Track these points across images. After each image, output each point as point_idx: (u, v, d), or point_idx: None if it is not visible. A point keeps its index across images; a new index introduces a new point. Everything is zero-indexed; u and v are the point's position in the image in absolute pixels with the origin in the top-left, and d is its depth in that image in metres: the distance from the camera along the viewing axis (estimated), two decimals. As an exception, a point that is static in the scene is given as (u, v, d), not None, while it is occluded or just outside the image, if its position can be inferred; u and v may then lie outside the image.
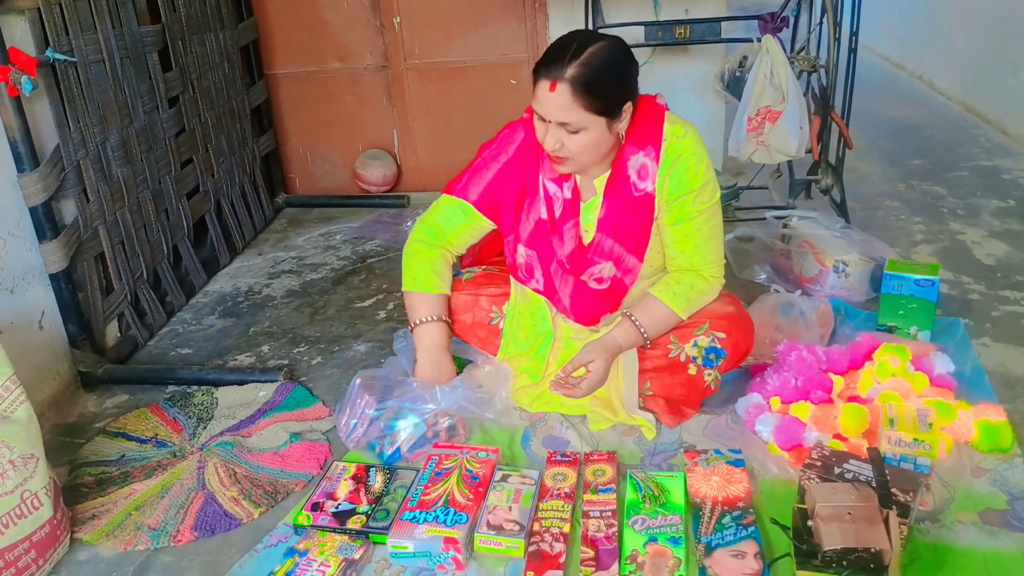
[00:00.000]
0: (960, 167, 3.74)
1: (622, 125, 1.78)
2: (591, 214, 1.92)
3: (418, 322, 1.99)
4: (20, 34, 2.16)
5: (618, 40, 1.78)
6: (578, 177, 1.91)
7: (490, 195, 1.97)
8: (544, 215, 1.93)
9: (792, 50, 3.07)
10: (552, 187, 1.91)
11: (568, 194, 1.91)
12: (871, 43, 5.82)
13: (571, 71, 1.67)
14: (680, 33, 3.00)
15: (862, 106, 3.31)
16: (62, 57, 2.24)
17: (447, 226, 2.02)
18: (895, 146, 4.09)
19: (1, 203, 2.14)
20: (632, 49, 1.81)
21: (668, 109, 1.89)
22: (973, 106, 4.61)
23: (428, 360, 1.97)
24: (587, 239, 1.93)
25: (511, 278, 2.09)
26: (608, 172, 1.88)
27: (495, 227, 2.03)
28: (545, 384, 2.04)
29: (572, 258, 1.94)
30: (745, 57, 2.91)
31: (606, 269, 1.93)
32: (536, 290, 2.03)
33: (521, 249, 1.99)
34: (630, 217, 1.88)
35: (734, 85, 2.99)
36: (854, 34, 2.94)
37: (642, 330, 1.88)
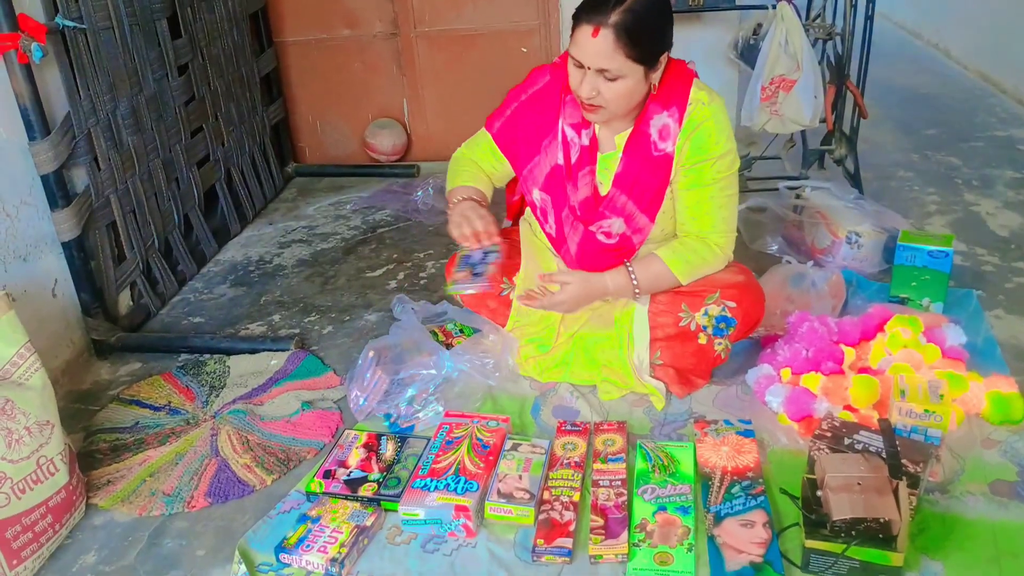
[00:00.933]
0: (975, 137, 3.70)
1: (656, 75, 1.77)
2: (608, 168, 1.91)
3: (455, 202, 1.97)
4: (29, 1, 2.14)
5: None
6: (598, 128, 1.90)
7: (509, 129, 1.99)
8: (560, 160, 1.93)
9: (807, 17, 3.03)
10: (571, 132, 1.91)
11: (585, 141, 1.90)
12: (887, 11, 5.73)
13: (615, 17, 1.65)
14: (694, 0, 2.96)
15: (877, 75, 3.27)
16: (71, 24, 2.22)
17: (479, 153, 2.08)
18: (909, 116, 4.05)
19: (13, 171, 2.14)
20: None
21: (696, 75, 1.87)
22: (989, 75, 4.55)
23: (458, 213, 1.92)
24: (603, 191, 1.93)
25: (522, 248, 2.09)
26: (630, 129, 1.87)
27: (509, 166, 2.04)
28: (555, 354, 2.05)
29: (584, 206, 1.93)
30: (759, 24, 2.87)
31: (616, 225, 1.92)
32: (549, 236, 2.04)
33: (536, 193, 1.99)
34: (647, 175, 1.87)
35: (748, 53, 2.95)
36: (871, 1, 2.89)
37: (633, 280, 1.88)
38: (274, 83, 3.62)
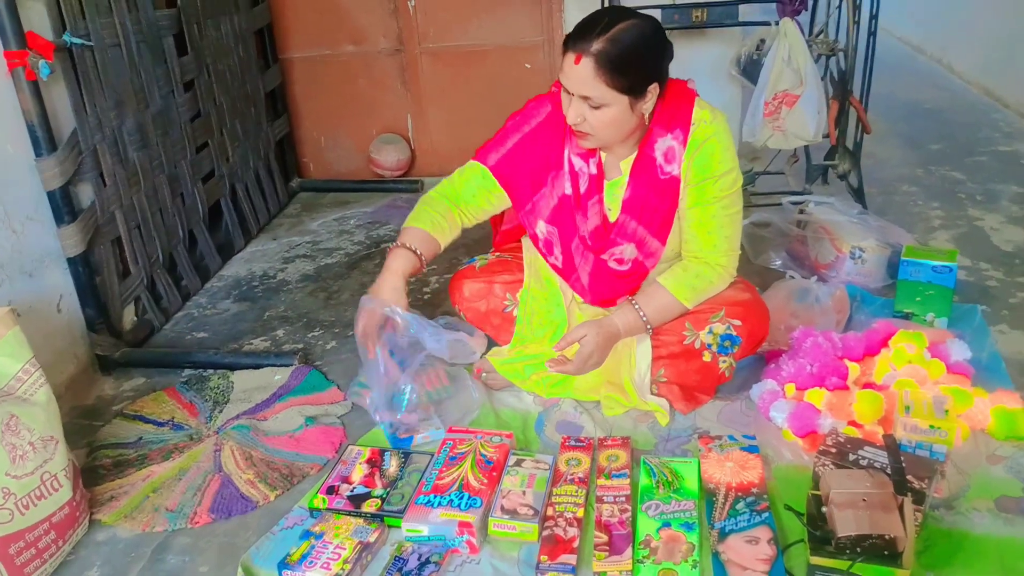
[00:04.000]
0: (979, 152, 3.71)
1: (646, 106, 1.76)
2: (616, 193, 1.91)
3: (395, 245, 1.92)
4: (37, 18, 2.17)
5: (651, 20, 1.75)
6: (604, 155, 1.90)
7: (509, 163, 1.96)
8: (568, 191, 1.92)
9: (810, 33, 3.04)
10: (578, 162, 1.90)
11: (594, 170, 1.90)
12: (890, 26, 5.76)
13: (597, 46, 1.67)
14: (697, 16, 2.98)
15: (880, 90, 3.28)
16: (79, 41, 2.24)
17: (464, 188, 1.99)
18: (913, 130, 4.06)
19: (19, 187, 2.15)
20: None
21: (696, 94, 1.87)
22: (993, 90, 4.56)
23: (382, 280, 1.89)
24: (611, 217, 1.92)
25: (525, 263, 2.09)
26: (635, 154, 1.87)
27: (507, 201, 2.00)
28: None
29: (595, 235, 1.93)
30: (762, 40, 2.89)
31: (627, 251, 1.92)
32: (555, 267, 2.03)
33: (542, 225, 1.98)
34: (656, 199, 1.87)
35: (750, 69, 2.96)
36: (874, 17, 2.90)
37: (643, 315, 1.87)
38: (279, 99, 3.65)
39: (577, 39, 1.69)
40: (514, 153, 1.95)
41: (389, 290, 1.86)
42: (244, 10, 3.26)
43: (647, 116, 1.79)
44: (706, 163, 1.82)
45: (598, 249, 1.94)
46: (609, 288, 1.98)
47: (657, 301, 1.88)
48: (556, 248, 1.99)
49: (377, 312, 1.86)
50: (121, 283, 2.47)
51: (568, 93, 1.75)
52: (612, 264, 1.95)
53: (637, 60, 1.69)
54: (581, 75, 1.69)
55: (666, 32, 1.79)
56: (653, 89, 1.74)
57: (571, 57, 1.69)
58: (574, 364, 1.85)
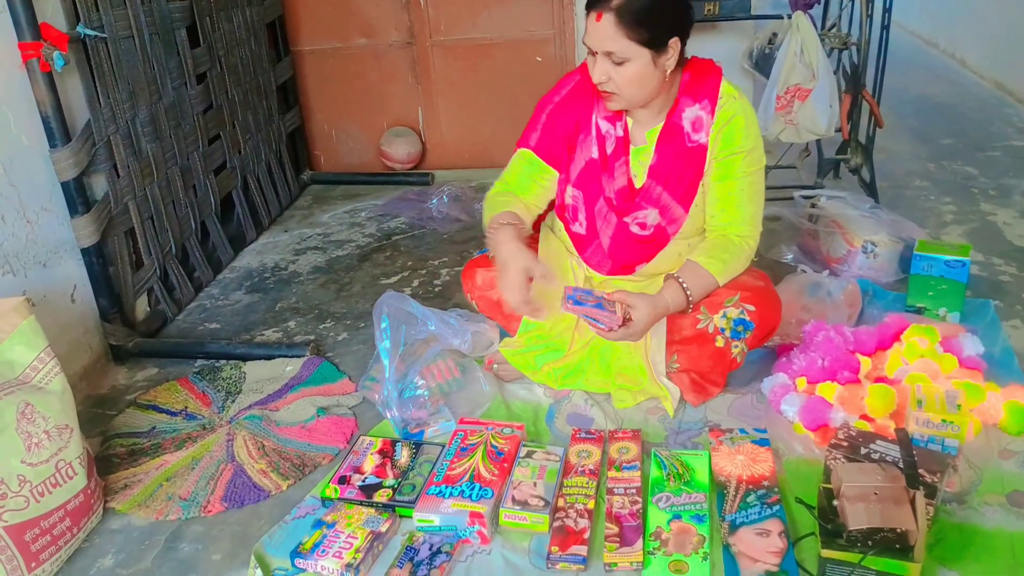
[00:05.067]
0: (992, 147, 3.69)
1: (669, 61, 1.78)
2: (642, 160, 1.93)
3: (493, 228, 1.88)
4: (51, 10, 2.18)
5: None
6: (630, 122, 1.92)
7: (548, 137, 1.99)
8: (595, 154, 1.95)
9: (823, 27, 3.03)
10: (605, 125, 1.93)
11: (620, 132, 1.92)
12: (902, 20, 5.73)
13: (617, 1, 1.71)
14: (709, 10, 2.97)
15: (892, 84, 3.26)
16: (92, 33, 2.25)
17: (517, 180, 2.02)
18: (925, 125, 4.04)
19: (34, 178, 2.17)
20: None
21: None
22: (1005, 84, 4.53)
23: (503, 274, 1.83)
24: (637, 183, 1.94)
25: (540, 251, 2.09)
26: (661, 123, 1.90)
27: (555, 180, 2.02)
28: (570, 361, 2.05)
29: (620, 196, 1.95)
30: (775, 34, 2.87)
31: (651, 216, 1.94)
32: (576, 236, 2.04)
33: (569, 190, 2.00)
34: (682, 166, 1.89)
35: (762, 63, 2.95)
36: (887, 10, 2.89)
37: (688, 292, 1.86)
38: (290, 91, 3.65)
39: None
40: (548, 126, 1.99)
41: (524, 256, 1.81)
42: (256, 3, 3.27)
43: (668, 72, 1.80)
44: (734, 137, 1.85)
45: (622, 211, 1.95)
46: (629, 253, 1.99)
47: (697, 277, 1.88)
48: (580, 213, 2.00)
49: (523, 268, 1.81)
50: (134, 274, 2.48)
51: (592, 54, 1.78)
52: (634, 228, 1.96)
53: (656, 13, 1.73)
54: (603, 31, 1.73)
55: None
56: (674, 44, 1.77)
57: (593, 15, 1.74)
58: (618, 334, 1.80)
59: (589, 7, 1.75)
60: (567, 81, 1.99)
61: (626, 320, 1.78)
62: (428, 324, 2.04)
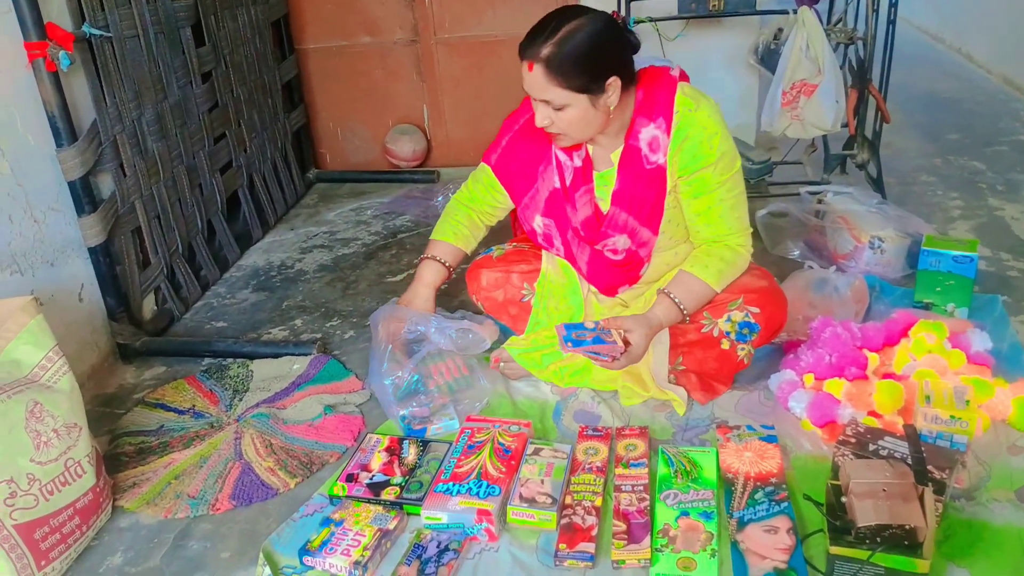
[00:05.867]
0: (999, 141, 3.67)
1: (611, 100, 1.75)
2: (607, 184, 1.92)
3: (424, 257, 2.10)
4: (57, 9, 2.18)
5: (602, 16, 1.76)
6: (591, 148, 1.91)
7: (505, 159, 2.00)
8: (557, 184, 1.95)
9: (829, 22, 3.02)
10: (563, 156, 1.93)
11: (578, 163, 1.91)
12: (908, 15, 5.71)
13: (545, 51, 1.69)
14: (714, 5, 2.96)
15: (899, 79, 3.25)
16: (98, 32, 2.26)
17: (475, 190, 2.11)
18: (932, 120, 4.02)
19: (40, 178, 2.17)
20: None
21: (687, 80, 1.86)
22: (1012, 79, 4.51)
23: (413, 291, 2.08)
24: (604, 208, 1.93)
25: (543, 253, 2.10)
26: (623, 145, 1.87)
27: (508, 198, 2.06)
28: (576, 360, 2.04)
29: (586, 226, 1.94)
30: (780, 29, 2.87)
31: (620, 242, 1.93)
32: (558, 254, 2.05)
33: (538, 219, 2.00)
34: (643, 190, 1.87)
35: (768, 58, 2.95)
36: (893, 5, 2.88)
37: (681, 306, 1.87)
38: (295, 90, 3.66)
39: (527, 46, 1.72)
40: (508, 150, 1.99)
41: (421, 301, 2.06)
42: (261, 1, 3.27)
43: (613, 108, 1.77)
44: (697, 152, 1.81)
45: (591, 240, 1.95)
46: (608, 277, 2.00)
47: (690, 289, 1.88)
48: (556, 240, 2.01)
49: (403, 320, 2.02)
50: (141, 273, 2.49)
51: (534, 99, 1.77)
52: (607, 254, 1.96)
53: (587, 59, 1.70)
54: (536, 81, 1.72)
55: (622, 26, 1.81)
56: (613, 83, 1.73)
57: (525, 65, 1.72)
58: (620, 362, 1.82)
59: (520, 55, 1.73)
60: (529, 106, 1.93)
61: (625, 344, 1.79)
62: (417, 325, 2.06)
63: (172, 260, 2.64)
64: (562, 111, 1.74)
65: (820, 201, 2.70)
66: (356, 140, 3.90)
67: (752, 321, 1.90)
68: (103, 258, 2.32)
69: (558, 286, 2.07)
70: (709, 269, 1.87)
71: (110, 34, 2.31)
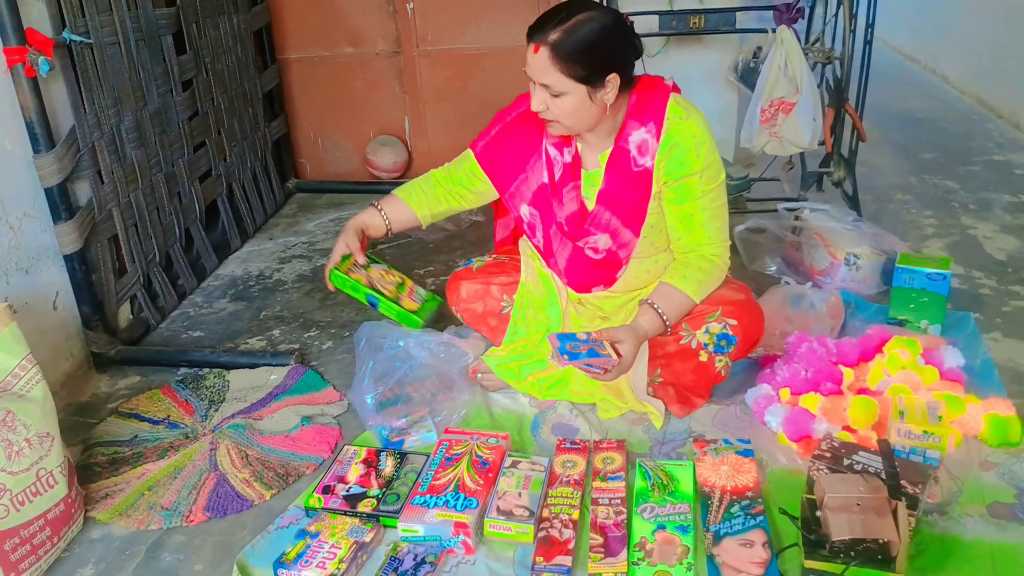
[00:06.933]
0: (972, 161, 3.73)
1: (607, 96, 1.78)
2: (593, 184, 1.94)
3: (370, 205, 2.09)
4: (37, 15, 2.17)
5: (611, 12, 1.81)
6: (580, 146, 1.93)
7: (492, 149, 2.02)
8: (546, 179, 1.97)
9: (807, 41, 3.06)
10: (553, 151, 1.95)
11: (568, 158, 1.93)
12: (885, 35, 5.79)
13: (553, 36, 1.71)
14: (694, 23, 2.99)
15: (875, 98, 3.30)
16: (78, 38, 2.24)
17: (454, 170, 2.09)
18: (907, 139, 4.08)
19: (17, 184, 2.15)
20: (644, 38, 1.81)
21: (679, 91, 1.90)
22: (986, 100, 4.59)
23: (341, 234, 2.06)
24: (589, 206, 1.95)
25: (522, 263, 2.10)
26: (611, 147, 1.90)
27: (491, 188, 2.06)
28: (553, 371, 2.05)
29: (571, 222, 1.96)
30: (759, 48, 2.90)
31: (602, 241, 1.95)
32: (537, 247, 2.06)
33: (525, 208, 2.02)
34: (628, 191, 1.89)
35: (748, 76, 2.98)
36: (870, 26, 2.92)
37: (663, 316, 1.87)
38: (276, 99, 3.65)
39: (536, 29, 1.75)
40: (497, 140, 2.01)
41: (341, 236, 2.04)
42: (243, 10, 3.26)
43: (609, 106, 1.80)
44: (683, 160, 1.83)
45: (574, 236, 1.96)
46: (585, 276, 2.01)
47: (671, 299, 1.88)
48: (538, 231, 2.03)
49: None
50: (117, 281, 2.46)
51: (532, 82, 1.79)
52: (588, 252, 1.97)
53: (592, 50, 1.73)
54: (539, 64, 1.74)
55: (630, 27, 1.83)
56: (612, 79, 1.76)
57: (531, 47, 1.75)
58: (613, 373, 1.81)
59: (528, 37, 1.76)
60: (522, 101, 1.98)
61: (616, 355, 1.79)
62: (397, 341, 2.09)
63: (149, 268, 2.62)
64: (559, 98, 1.76)
65: (797, 218, 2.73)
66: (336, 150, 3.90)
67: (730, 333, 1.91)
68: (79, 266, 2.30)
69: (537, 297, 2.08)
70: (688, 280, 1.89)
71: (90, 40, 2.30)
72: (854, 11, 2.84)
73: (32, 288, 2.18)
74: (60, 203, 2.22)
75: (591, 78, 1.74)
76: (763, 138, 2.84)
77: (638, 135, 1.86)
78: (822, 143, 2.95)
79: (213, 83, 3.02)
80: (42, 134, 2.14)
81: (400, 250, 3.09)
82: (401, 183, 3.70)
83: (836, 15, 2.95)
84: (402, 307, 2.04)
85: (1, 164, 2.10)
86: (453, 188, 2.08)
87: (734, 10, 3.03)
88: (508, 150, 2.00)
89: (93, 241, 2.35)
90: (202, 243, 2.95)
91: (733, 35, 3.24)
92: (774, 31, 2.80)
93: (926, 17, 5.63)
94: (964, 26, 5.00)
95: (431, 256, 3.03)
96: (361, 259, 2.03)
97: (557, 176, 1.95)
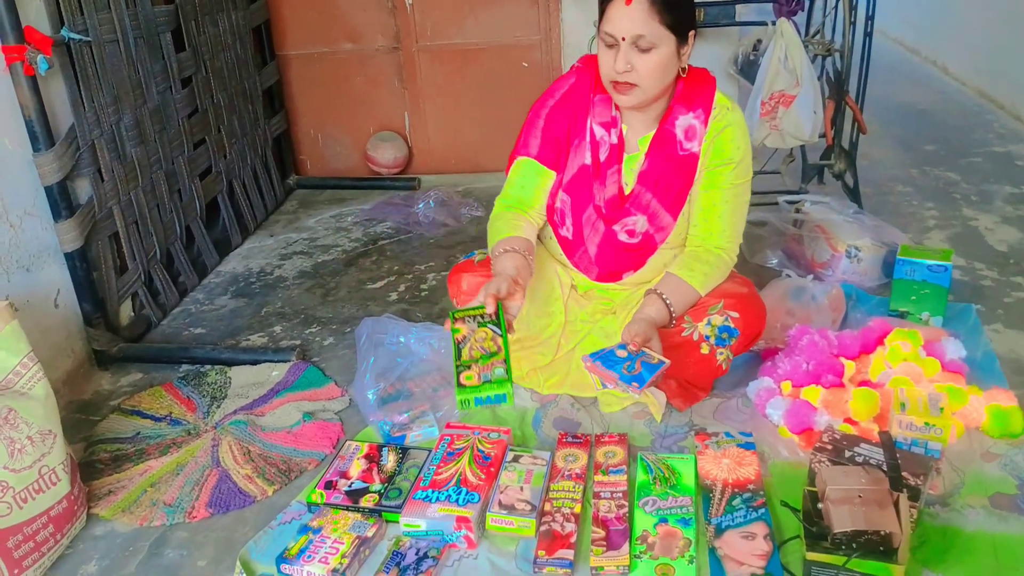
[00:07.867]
0: (973, 153, 3.72)
1: (686, 54, 1.81)
2: (632, 168, 1.94)
3: (496, 253, 1.85)
4: (35, 13, 2.16)
5: None
6: (625, 128, 1.93)
7: (547, 142, 1.97)
8: (588, 160, 1.95)
9: (807, 33, 3.05)
10: (600, 131, 1.94)
11: (615, 139, 1.93)
12: (885, 27, 5.77)
13: None
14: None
15: (875, 91, 3.29)
16: (77, 36, 2.24)
17: (522, 192, 1.98)
18: (908, 131, 4.07)
19: (17, 182, 2.15)
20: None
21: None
22: (987, 92, 4.58)
23: (497, 267, 1.83)
24: (627, 190, 1.95)
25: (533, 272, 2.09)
26: (653, 131, 1.90)
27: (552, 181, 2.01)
28: (556, 366, 2.05)
29: (610, 204, 1.95)
30: (759, 40, 2.89)
31: (640, 223, 1.95)
32: (563, 239, 2.03)
33: (560, 194, 2.00)
34: (672, 173, 1.90)
35: (747, 69, 2.97)
36: (870, 18, 2.92)
37: (670, 306, 1.86)
38: (276, 96, 3.65)
39: None
40: (547, 131, 1.96)
41: (512, 268, 1.79)
42: (242, 7, 3.26)
43: (684, 68, 1.83)
44: (725, 147, 1.87)
45: (611, 219, 1.96)
46: (615, 261, 2.00)
47: (678, 290, 1.88)
48: (568, 219, 2.00)
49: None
50: (118, 279, 2.47)
51: (612, 46, 1.77)
52: (622, 236, 1.96)
53: (685, 1, 1.77)
54: (634, 14, 1.73)
55: None
56: (692, 36, 1.80)
57: (619, 1, 1.74)
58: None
59: None
60: (560, 84, 1.98)
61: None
62: (398, 337, 2.08)
63: (150, 266, 2.62)
64: (648, 54, 1.75)
65: (798, 210, 2.73)
66: (337, 147, 3.89)
67: (731, 326, 1.91)
68: (80, 263, 2.30)
69: (538, 290, 2.07)
70: (695, 273, 1.89)
71: (89, 38, 2.30)
72: (854, 3, 2.84)
73: (33, 286, 2.18)
74: (60, 201, 2.22)
75: (681, 28, 1.76)
76: (763, 131, 2.84)
77: (685, 119, 1.88)
78: (822, 136, 2.94)
79: (212, 80, 3.01)
80: (42, 132, 2.14)
81: (401, 246, 3.09)
82: (401, 179, 3.77)
83: (836, 7, 2.94)
84: (459, 375, 1.71)
85: (1, 163, 2.10)
86: (536, 207, 1.98)
87: (734, 3, 3.02)
88: (559, 135, 1.96)
89: (94, 239, 2.35)
90: (203, 240, 2.95)
91: (733, 28, 3.23)
92: (774, 24, 2.79)
93: (926, 9, 5.62)
94: (965, 18, 4.99)
95: (432, 251, 3.03)
96: (491, 308, 1.71)
97: (603, 156, 1.94)
